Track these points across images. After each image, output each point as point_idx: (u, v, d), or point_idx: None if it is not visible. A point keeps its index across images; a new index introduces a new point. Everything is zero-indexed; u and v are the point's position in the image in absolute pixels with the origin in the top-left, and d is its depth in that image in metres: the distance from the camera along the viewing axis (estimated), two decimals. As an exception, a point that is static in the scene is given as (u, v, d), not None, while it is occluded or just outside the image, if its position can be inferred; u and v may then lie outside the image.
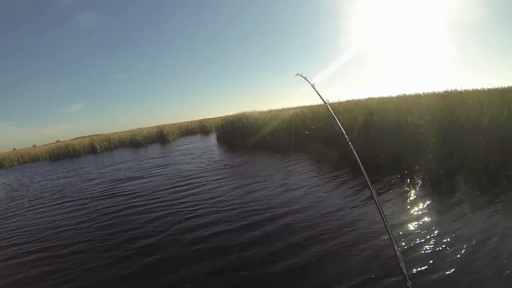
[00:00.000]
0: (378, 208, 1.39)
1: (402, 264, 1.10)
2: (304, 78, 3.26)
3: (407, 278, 1.05)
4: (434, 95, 8.63)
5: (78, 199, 7.19)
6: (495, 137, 5.31)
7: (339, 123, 2.33)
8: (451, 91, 8.54)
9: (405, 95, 10.22)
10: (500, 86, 8.12)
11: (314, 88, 2.98)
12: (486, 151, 5.35)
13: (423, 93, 9.71)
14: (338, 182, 5.64)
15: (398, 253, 1.14)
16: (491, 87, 8.10)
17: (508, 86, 8.01)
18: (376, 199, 1.42)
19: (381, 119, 7.33)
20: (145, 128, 27.31)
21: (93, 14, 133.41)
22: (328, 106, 2.60)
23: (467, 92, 7.89)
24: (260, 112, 15.79)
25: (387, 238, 3.16)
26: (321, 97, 2.77)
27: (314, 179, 6.08)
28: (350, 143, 2.04)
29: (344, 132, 2.20)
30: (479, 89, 8.15)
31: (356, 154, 1.83)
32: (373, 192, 1.47)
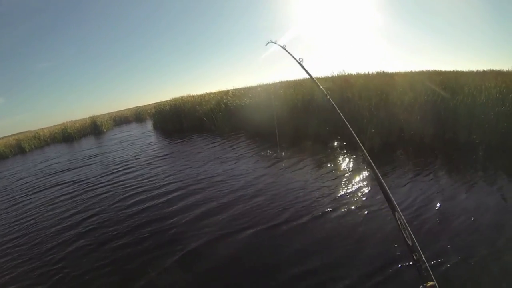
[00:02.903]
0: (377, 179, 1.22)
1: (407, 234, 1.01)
2: (274, 43, 3.32)
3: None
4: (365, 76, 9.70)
5: (15, 197, 7.58)
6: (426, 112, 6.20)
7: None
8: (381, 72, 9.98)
9: (338, 75, 10.63)
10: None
11: (287, 51, 2.91)
12: (420, 125, 6.20)
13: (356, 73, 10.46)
14: (258, 156, 6.97)
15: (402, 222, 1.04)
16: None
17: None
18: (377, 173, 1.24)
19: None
20: (77, 120, 26.02)
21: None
22: (302, 64, 2.57)
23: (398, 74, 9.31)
24: (195, 96, 16.24)
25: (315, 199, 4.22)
26: (294, 58, 2.69)
27: (239, 154, 7.41)
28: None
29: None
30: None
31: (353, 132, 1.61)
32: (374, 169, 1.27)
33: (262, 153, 7.20)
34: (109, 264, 3.50)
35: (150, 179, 6.52)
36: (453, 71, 9.44)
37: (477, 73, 8.68)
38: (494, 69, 9.17)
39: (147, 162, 8.30)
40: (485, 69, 9.38)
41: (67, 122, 25.69)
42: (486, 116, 5.63)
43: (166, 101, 17.40)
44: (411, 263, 1.06)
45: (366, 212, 3.75)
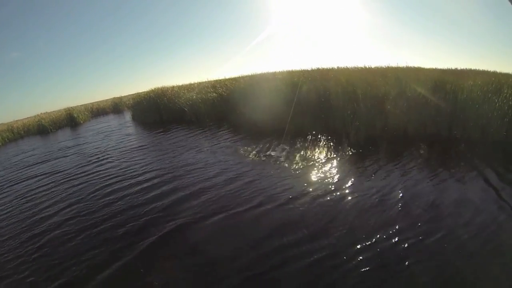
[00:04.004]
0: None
1: None
2: None
3: None
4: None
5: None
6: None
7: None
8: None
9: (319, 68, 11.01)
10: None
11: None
12: (404, 118, 6.40)
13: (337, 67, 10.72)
14: (226, 146, 7.47)
15: None
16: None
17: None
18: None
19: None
20: (52, 111, 25.29)
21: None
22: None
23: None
24: (175, 86, 16.08)
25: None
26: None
27: (220, 145, 7.76)
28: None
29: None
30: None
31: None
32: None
33: (246, 142, 7.54)
34: (88, 251, 3.71)
35: (126, 169, 6.82)
36: (436, 69, 9.74)
37: (456, 71, 9.07)
38: (472, 68, 9.61)
39: (124, 152, 8.54)
40: (463, 68, 9.78)
41: (41, 113, 24.93)
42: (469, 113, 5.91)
43: (145, 91, 17.15)
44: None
45: (338, 195, 4.22)
